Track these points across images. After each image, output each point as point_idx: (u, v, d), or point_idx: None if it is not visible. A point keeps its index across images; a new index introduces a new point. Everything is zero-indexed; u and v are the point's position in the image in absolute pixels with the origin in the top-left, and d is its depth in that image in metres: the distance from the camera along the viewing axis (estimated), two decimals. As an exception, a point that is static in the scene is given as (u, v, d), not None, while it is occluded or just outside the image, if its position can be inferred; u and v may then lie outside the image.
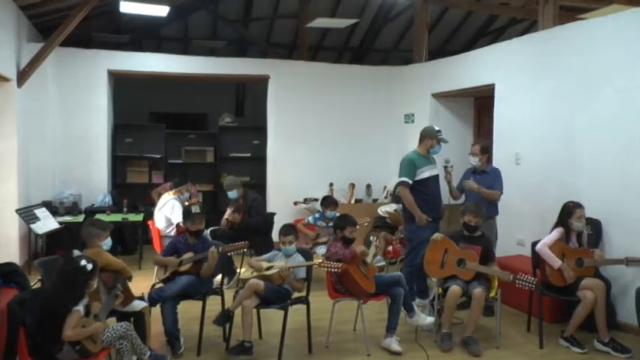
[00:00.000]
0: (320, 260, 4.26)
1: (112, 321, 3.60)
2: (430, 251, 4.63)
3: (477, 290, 4.33)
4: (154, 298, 4.13)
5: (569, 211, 4.56)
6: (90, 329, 3.18)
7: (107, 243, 3.93)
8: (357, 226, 4.71)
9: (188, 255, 4.34)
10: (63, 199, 7.10)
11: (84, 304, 3.21)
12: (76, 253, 3.55)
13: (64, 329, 3.07)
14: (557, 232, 4.56)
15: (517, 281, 4.30)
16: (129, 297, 3.78)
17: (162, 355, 3.94)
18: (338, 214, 6.12)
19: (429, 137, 5.20)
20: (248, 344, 3.99)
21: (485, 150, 5.47)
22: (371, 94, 8.57)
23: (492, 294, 4.45)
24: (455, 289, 4.38)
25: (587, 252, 4.55)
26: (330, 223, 5.99)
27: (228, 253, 4.64)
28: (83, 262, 3.24)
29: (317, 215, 6.44)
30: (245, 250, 4.48)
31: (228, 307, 4.20)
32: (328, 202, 6.36)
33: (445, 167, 5.38)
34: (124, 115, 8.91)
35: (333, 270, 4.13)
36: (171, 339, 4.19)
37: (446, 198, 5.57)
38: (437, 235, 4.65)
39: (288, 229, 4.40)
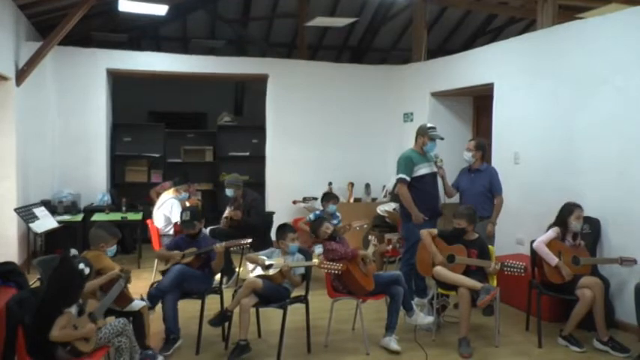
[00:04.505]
0: (319, 260, 4.25)
1: (110, 319, 3.58)
2: (420, 251, 4.69)
3: (460, 290, 4.33)
4: (153, 295, 4.12)
5: (569, 210, 4.57)
6: (79, 332, 3.11)
7: (112, 250, 3.95)
8: (357, 227, 4.70)
9: (191, 249, 4.37)
10: (62, 198, 7.10)
11: (77, 304, 3.18)
12: (73, 252, 3.53)
13: (51, 329, 3.01)
14: (553, 231, 4.58)
15: (505, 268, 4.34)
16: (127, 299, 3.77)
17: (153, 354, 3.86)
18: (337, 211, 6.15)
19: (421, 135, 5.20)
20: (243, 342, 3.97)
21: (480, 147, 5.43)
22: (370, 93, 8.57)
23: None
24: (462, 290, 4.33)
25: (582, 250, 4.57)
26: (333, 221, 5.96)
27: (230, 249, 4.66)
28: (81, 266, 3.21)
29: (318, 212, 6.41)
30: (247, 246, 4.49)
31: (226, 307, 4.19)
32: (328, 197, 6.29)
33: (435, 162, 5.27)
34: (123, 114, 8.91)
35: (333, 271, 4.13)
36: (168, 337, 4.14)
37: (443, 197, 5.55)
38: (423, 231, 4.68)
39: (291, 228, 4.43)
